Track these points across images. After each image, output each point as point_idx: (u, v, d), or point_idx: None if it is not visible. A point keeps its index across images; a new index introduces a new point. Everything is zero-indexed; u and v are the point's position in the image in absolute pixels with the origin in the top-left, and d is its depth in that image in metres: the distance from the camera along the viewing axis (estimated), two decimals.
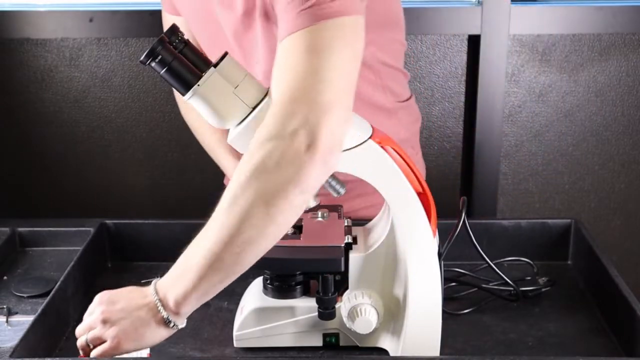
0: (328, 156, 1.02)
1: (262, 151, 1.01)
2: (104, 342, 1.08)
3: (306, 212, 1.20)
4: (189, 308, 1.07)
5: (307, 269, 1.18)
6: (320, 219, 1.24)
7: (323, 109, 1.01)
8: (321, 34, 1.05)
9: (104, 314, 1.08)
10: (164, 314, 1.06)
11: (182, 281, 1.05)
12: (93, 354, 1.08)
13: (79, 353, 1.19)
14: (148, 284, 1.10)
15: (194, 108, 1.61)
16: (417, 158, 1.60)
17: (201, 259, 1.03)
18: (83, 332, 1.11)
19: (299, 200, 1.02)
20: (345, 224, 1.22)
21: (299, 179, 1.00)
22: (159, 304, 1.06)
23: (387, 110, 1.47)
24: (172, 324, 1.07)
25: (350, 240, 1.17)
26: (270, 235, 1.03)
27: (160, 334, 1.08)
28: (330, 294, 1.15)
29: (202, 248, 1.04)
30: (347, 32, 1.06)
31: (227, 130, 1.49)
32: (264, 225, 1.01)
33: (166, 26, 1.51)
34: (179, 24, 1.45)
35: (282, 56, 1.07)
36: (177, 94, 1.58)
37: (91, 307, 1.12)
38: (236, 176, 1.02)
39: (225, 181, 1.64)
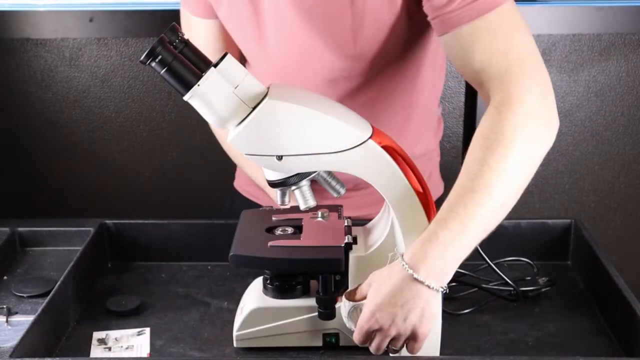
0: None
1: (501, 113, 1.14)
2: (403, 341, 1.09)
3: (306, 212, 1.19)
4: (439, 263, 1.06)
5: (308, 269, 1.17)
6: (320, 219, 1.24)
7: (542, 77, 1.22)
8: (500, 18, 1.22)
9: (388, 323, 1.07)
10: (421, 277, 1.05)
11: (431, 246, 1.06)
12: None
13: (79, 353, 1.20)
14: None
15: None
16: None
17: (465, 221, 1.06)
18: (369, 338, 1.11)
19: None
20: (345, 224, 1.22)
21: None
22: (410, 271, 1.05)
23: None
24: (432, 286, 1.06)
25: (350, 240, 1.17)
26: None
27: (434, 300, 1.07)
28: (330, 294, 1.15)
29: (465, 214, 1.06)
30: (516, 14, 1.27)
31: None
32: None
33: (195, 32, 1.41)
34: (209, 28, 1.40)
35: (473, 40, 1.19)
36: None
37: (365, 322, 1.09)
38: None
39: (235, 184, 1.63)
